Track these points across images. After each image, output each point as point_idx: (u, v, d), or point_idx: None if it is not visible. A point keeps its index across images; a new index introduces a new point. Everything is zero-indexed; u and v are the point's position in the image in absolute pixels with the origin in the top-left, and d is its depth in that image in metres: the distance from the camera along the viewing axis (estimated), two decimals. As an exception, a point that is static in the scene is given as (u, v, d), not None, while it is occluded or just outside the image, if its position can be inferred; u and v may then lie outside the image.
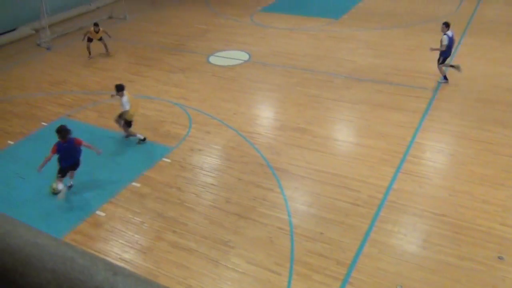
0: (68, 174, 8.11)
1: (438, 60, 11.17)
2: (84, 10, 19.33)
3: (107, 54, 14.40)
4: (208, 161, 8.92)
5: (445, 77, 11.28)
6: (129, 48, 15.13)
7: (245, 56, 13.78)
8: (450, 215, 7.12)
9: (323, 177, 8.16)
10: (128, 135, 9.64)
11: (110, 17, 18.49)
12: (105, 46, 14.33)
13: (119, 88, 9.20)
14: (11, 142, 9.94)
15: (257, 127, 9.94)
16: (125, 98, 9.16)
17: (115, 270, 0.67)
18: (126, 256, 6.75)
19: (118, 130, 10.13)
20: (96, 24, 14.04)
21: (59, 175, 7.87)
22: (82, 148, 7.89)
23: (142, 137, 9.59)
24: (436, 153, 8.75)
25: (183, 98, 11.40)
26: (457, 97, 10.71)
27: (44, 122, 10.68)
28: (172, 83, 12.29)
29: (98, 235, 7.19)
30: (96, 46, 14.31)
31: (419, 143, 9.03)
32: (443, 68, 11.21)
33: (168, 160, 8.95)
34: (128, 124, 9.48)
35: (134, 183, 8.32)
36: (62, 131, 7.53)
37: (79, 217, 7.56)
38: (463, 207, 7.29)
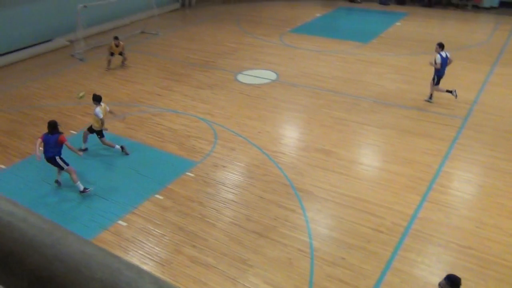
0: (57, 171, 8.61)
1: (433, 79, 11.51)
2: (118, 24, 19.88)
3: (122, 65, 14.83)
4: (231, 177, 8.93)
5: (431, 96, 11.66)
6: (160, 62, 15.44)
7: (273, 76, 13.88)
8: (477, 248, 6.90)
9: (346, 200, 8.05)
10: (105, 144, 9.88)
11: (143, 32, 18.97)
12: (124, 60, 14.81)
13: (95, 99, 9.60)
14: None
15: (282, 147, 9.93)
16: (97, 109, 9.49)
17: (160, 284, 0.67)
18: (145, 267, 6.74)
19: (144, 142, 10.28)
20: (116, 38, 14.48)
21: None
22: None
23: (119, 147, 9.85)
24: (464, 183, 8.54)
25: (209, 114, 11.51)
26: (488, 127, 10.48)
27: (73, 130, 10.94)
28: (200, 98, 12.44)
29: (119, 244, 7.23)
30: (138, 60, 14.65)
31: (446, 172, 8.84)
32: (437, 88, 11.50)
33: (192, 175, 9.00)
34: (100, 133, 9.72)
35: (157, 195, 8.39)
36: (50, 125, 8.26)
37: (102, 226, 7.64)
38: (490, 240, 7.05)
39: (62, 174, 8.72)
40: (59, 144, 8.28)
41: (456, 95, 11.38)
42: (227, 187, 8.62)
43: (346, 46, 16.44)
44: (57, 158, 8.37)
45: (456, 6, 21.30)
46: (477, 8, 21.07)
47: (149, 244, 7.21)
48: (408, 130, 10.37)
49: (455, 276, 4.82)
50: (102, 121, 9.54)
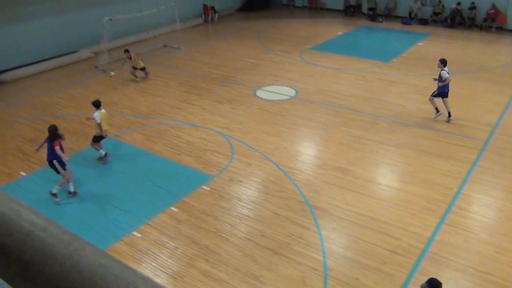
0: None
1: (434, 94, 11.58)
2: (142, 37, 20.28)
3: (146, 77, 15.13)
4: (246, 192, 8.93)
5: (449, 114, 11.59)
6: (181, 76, 15.66)
7: (292, 92, 13.92)
8: (496, 274, 6.71)
9: (362, 220, 7.95)
10: (94, 147, 10.14)
11: (165, 46, 19.30)
12: (145, 72, 15.14)
13: (94, 104, 9.91)
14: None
15: (298, 163, 9.90)
16: (95, 113, 9.77)
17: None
18: (157, 280, 6.76)
19: (162, 154, 10.38)
20: (126, 51, 14.86)
21: None
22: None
23: (103, 154, 10.03)
24: (484, 207, 8.35)
25: (227, 128, 11.58)
26: (510, 150, 10.28)
27: (93, 140, 11.10)
28: (218, 113, 12.54)
29: (132, 255, 7.27)
30: (160, 73, 14.90)
31: (466, 194, 8.67)
32: (433, 100, 11.63)
33: (208, 188, 9.03)
34: (97, 139, 10.02)
35: (172, 208, 8.43)
36: (48, 129, 8.64)
37: (117, 236, 7.70)
38: (510, 267, 6.86)
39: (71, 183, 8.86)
40: (53, 149, 8.53)
41: (436, 117, 11.67)
42: (242, 202, 8.62)
43: (366, 64, 16.43)
44: (55, 161, 8.59)
45: (480, 28, 21.12)
46: (501, 29, 20.85)
47: (162, 257, 7.23)
48: (427, 151, 10.24)
49: (436, 280, 4.99)
50: (99, 127, 9.80)
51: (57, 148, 8.50)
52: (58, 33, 17.51)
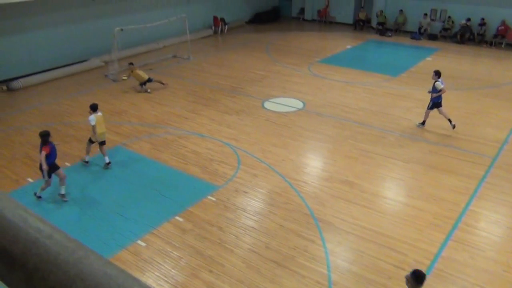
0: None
1: (429, 105, 12.02)
2: (152, 48, 20.48)
3: (140, 89, 15.17)
4: (252, 204, 8.91)
5: (450, 121, 11.93)
6: (189, 86, 15.75)
7: (300, 104, 13.94)
8: (504, 293, 6.61)
9: (368, 234, 7.89)
10: (86, 149, 10.40)
11: (175, 56, 19.46)
12: (143, 88, 15.22)
13: (91, 107, 10.13)
14: (68, 164, 10.44)
15: (305, 176, 9.88)
16: (91, 116, 9.98)
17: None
18: (161, 290, 6.73)
19: (168, 163, 10.41)
20: (130, 63, 15.25)
21: None
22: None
23: (86, 160, 10.33)
24: (491, 224, 8.26)
25: (234, 139, 11.60)
26: (518, 167, 10.19)
27: (101, 148, 11.17)
28: (226, 123, 12.58)
29: (136, 264, 7.25)
30: (168, 82, 14.99)
31: (473, 211, 8.59)
32: (429, 112, 12.07)
33: (213, 199, 9.03)
34: (91, 141, 10.28)
35: (177, 217, 8.42)
36: (39, 135, 8.74)
37: (121, 245, 7.69)
38: (518, 286, 6.75)
39: (65, 185, 9.04)
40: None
41: (418, 126, 12.22)
42: (247, 213, 8.60)
43: (374, 78, 16.44)
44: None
45: (490, 44, 21.09)
46: (511, 46, 20.81)
47: (166, 266, 7.21)
48: (434, 166, 10.18)
49: (421, 272, 5.12)
50: (93, 129, 9.96)
51: (42, 154, 8.57)
52: (70, 42, 17.74)
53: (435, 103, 11.80)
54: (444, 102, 11.83)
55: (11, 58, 16.14)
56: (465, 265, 7.16)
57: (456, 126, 11.88)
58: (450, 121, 11.86)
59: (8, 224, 0.79)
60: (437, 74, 11.73)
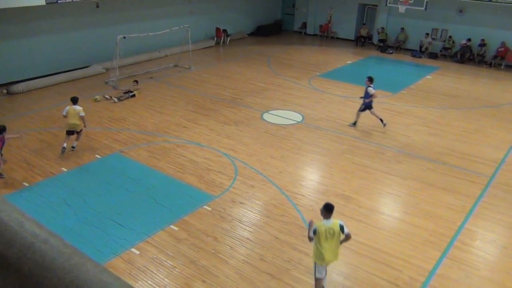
0: None
1: (363, 109, 12.94)
2: (153, 56, 20.57)
3: (122, 96, 15.30)
4: (248, 215, 8.88)
5: (355, 123, 13.22)
6: (189, 96, 15.80)
7: (299, 117, 13.98)
8: (498, 314, 6.57)
9: (363, 249, 7.86)
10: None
11: (176, 66, 19.55)
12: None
13: (72, 99, 11.06)
14: (65, 169, 10.41)
15: (302, 188, 9.87)
16: (66, 109, 10.90)
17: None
18: (153, 299, 6.67)
19: (165, 172, 10.39)
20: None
21: None
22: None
23: (63, 146, 10.91)
24: (487, 243, 8.24)
25: (232, 149, 11.60)
26: (515, 187, 10.20)
27: (98, 155, 11.16)
28: (225, 134, 12.59)
29: (129, 272, 7.20)
30: (169, 91, 15.02)
31: (469, 229, 8.57)
32: (360, 114, 13.05)
33: (209, 208, 9.00)
34: (67, 132, 11.03)
35: (172, 226, 8.38)
36: None
37: (114, 252, 7.64)
38: (513, 307, 6.72)
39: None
40: None
41: (352, 125, 13.15)
42: (243, 224, 8.56)
43: (374, 94, 16.48)
44: None
45: (490, 65, 21.26)
46: (510, 67, 20.97)
47: (160, 275, 7.15)
48: (432, 183, 10.18)
49: (329, 203, 6.40)
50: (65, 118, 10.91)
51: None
52: (72, 48, 17.83)
53: (367, 106, 12.81)
54: (444, 120, 11.89)
55: (12, 62, 16.20)
56: (460, 284, 7.13)
57: (386, 125, 12.89)
58: (381, 120, 12.85)
59: (4, 227, 0.79)
60: (370, 80, 12.67)
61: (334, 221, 6.27)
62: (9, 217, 0.82)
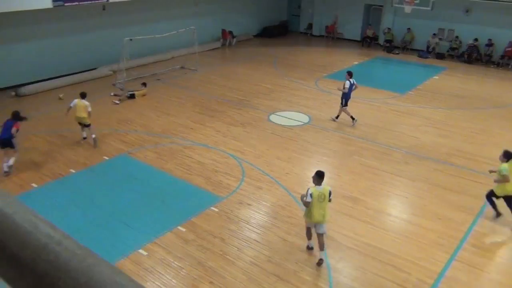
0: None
1: (341, 102, 13.39)
2: (160, 58, 20.64)
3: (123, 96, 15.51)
4: (255, 216, 8.87)
5: (337, 117, 13.70)
6: (196, 97, 15.83)
7: (306, 119, 13.96)
8: (508, 316, 6.51)
9: (371, 251, 7.82)
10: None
11: (182, 67, 19.60)
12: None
13: (81, 94, 11.76)
14: (73, 171, 10.48)
15: (309, 190, 9.83)
16: (74, 101, 11.63)
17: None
18: (161, 301, 6.69)
19: (173, 173, 10.42)
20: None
21: None
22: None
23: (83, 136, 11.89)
24: (497, 245, 8.18)
25: (239, 151, 11.61)
26: (524, 188, 10.09)
27: (106, 156, 11.22)
28: (231, 135, 12.60)
29: (137, 273, 7.21)
30: (175, 93, 15.07)
31: (478, 231, 8.50)
32: (345, 109, 13.42)
33: (216, 210, 9.00)
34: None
35: (180, 227, 8.40)
36: (13, 113, 10.47)
37: (123, 253, 7.67)
38: (523, 309, 6.65)
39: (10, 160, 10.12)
40: (13, 129, 10.10)
41: (354, 124, 13.34)
42: (250, 225, 8.56)
43: (381, 95, 16.45)
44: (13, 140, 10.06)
45: (497, 65, 21.11)
46: (518, 67, 20.82)
47: (167, 276, 7.17)
48: (440, 185, 10.12)
49: (320, 170, 7.37)
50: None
51: (15, 129, 10.04)
52: (79, 50, 17.94)
53: (346, 100, 13.26)
54: (452, 121, 11.82)
55: (21, 64, 16.32)
56: (469, 286, 7.07)
57: (357, 120, 13.38)
58: (337, 117, 13.60)
59: (18, 229, 0.80)
60: (349, 74, 13.25)
61: (325, 187, 7.33)
62: (23, 219, 0.82)
